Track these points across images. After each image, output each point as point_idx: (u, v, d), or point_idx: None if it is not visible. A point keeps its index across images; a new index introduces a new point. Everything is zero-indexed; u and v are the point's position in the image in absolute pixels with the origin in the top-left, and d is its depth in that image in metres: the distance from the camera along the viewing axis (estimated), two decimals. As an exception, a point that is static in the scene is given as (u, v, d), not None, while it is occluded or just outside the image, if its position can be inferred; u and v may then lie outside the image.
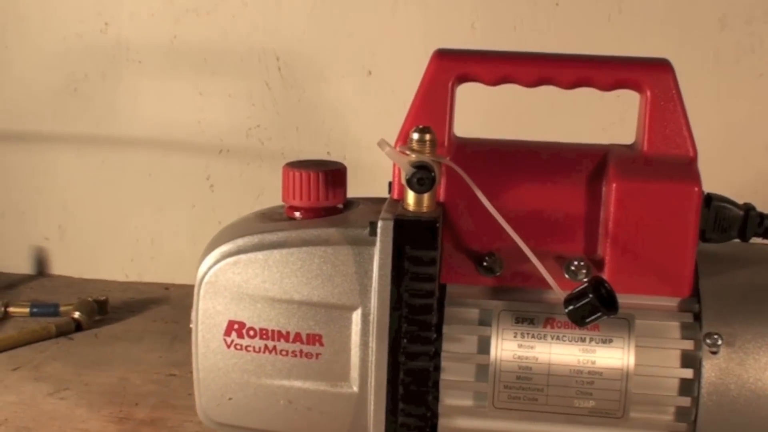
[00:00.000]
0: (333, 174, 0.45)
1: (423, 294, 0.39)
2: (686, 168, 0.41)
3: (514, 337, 0.41)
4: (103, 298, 0.68)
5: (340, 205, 0.46)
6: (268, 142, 0.72)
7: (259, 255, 0.42)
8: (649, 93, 0.42)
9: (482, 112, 0.62)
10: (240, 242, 0.42)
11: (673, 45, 0.66)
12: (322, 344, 0.41)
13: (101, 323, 0.66)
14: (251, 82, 0.71)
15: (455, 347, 0.41)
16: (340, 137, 0.71)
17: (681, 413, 0.41)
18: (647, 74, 0.42)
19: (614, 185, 0.41)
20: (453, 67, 0.43)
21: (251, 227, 0.44)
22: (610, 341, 0.40)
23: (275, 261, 0.41)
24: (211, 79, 0.72)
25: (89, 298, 0.67)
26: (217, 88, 0.72)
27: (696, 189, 0.40)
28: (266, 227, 0.43)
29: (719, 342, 0.39)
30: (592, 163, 0.42)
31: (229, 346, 0.42)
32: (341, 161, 0.47)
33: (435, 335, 0.40)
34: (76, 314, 0.65)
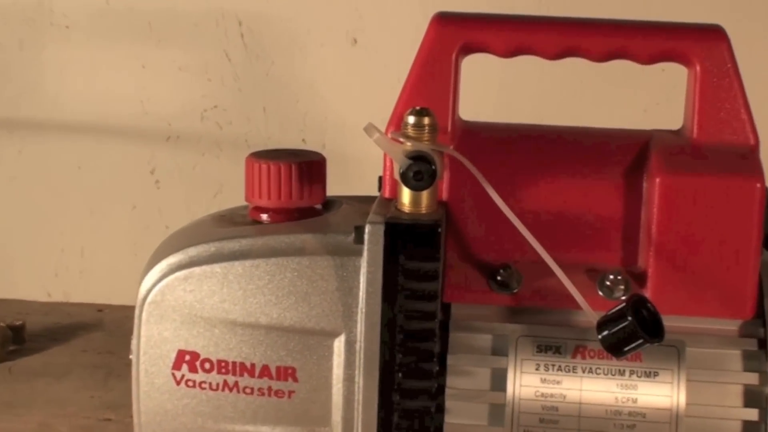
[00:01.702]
0: (309, 167, 0.44)
1: (422, 316, 0.39)
2: (746, 159, 0.41)
3: (536, 369, 0.40)
4: (19, 323, 0.67)
5: (318, 206, 0.45)
6: (228, 127, 0.72)
7: (217, 268, 0.41)
8: (698, 67, 0.42)
9: (494, 91, 0.62)
10: (193, 252, 0.42)
11: (727, 9, 0.66)
12: (295, 379, 0.41)
13: (16, 354, 0.65)
14: (207, 53, 0.71)
15: (463, 383, 0.41)
16: (318, 121, 0.70)
17: (743, 463, 0.44)
18: (696, 44, 0.42)
19: (658, 180, 0.40)
20: (457, 34, 0.42)
21: (207, 233, 0.43)
22: (655, 374, 0.40)
23: (237, 275, 0.41)
24: (157, 49, 0.71)
25: (1, 324, 0.66)
26: (164, 59, 0.71)
27: (758, 185, 0.40)
28: (226, 233, 0.43)
29: (790, 375, 0.42)
30: (630, 154, 0.42)
31: (178, 383, 0.42)
32: (319, 151, 0.46)
33: (437, 368, 0.40)
34: (-15, 343, 0.68)
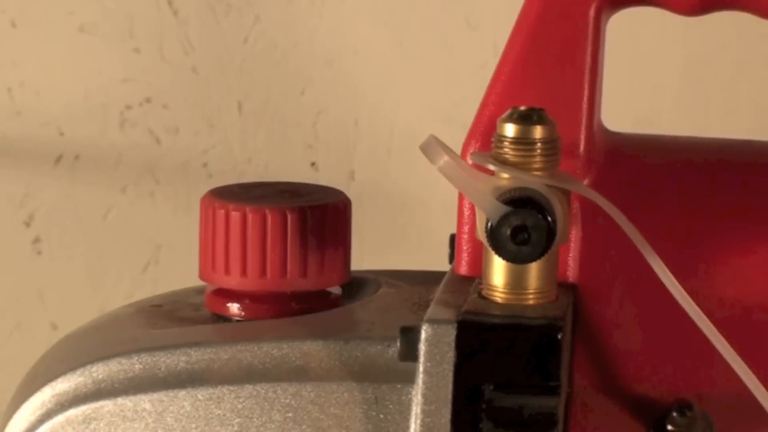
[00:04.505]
0: (319, 216, 0.44)
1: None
2: None
3: None
4: None
5: (336, 290, 0.45)
6: (173, 139, 0.72)
7: (146, 402, 0.41)
8: None
9: (666, 77, 0.61)
10: (101, 372, 0.42)
11: None
12: None
13: None
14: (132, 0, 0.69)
15: None
16: (341, 129, 0.70)
17: None
18: None
19: None
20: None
21: (127, 339, 0.43)
22: None
23: (183, 416, 0.41)
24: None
25: None
26: (51, 12, 0.71)
27: None
28: (162, 339, 0.43)
29: None
30: None
31: None
32: (341, 187, 0.45)
33: None
34: None
